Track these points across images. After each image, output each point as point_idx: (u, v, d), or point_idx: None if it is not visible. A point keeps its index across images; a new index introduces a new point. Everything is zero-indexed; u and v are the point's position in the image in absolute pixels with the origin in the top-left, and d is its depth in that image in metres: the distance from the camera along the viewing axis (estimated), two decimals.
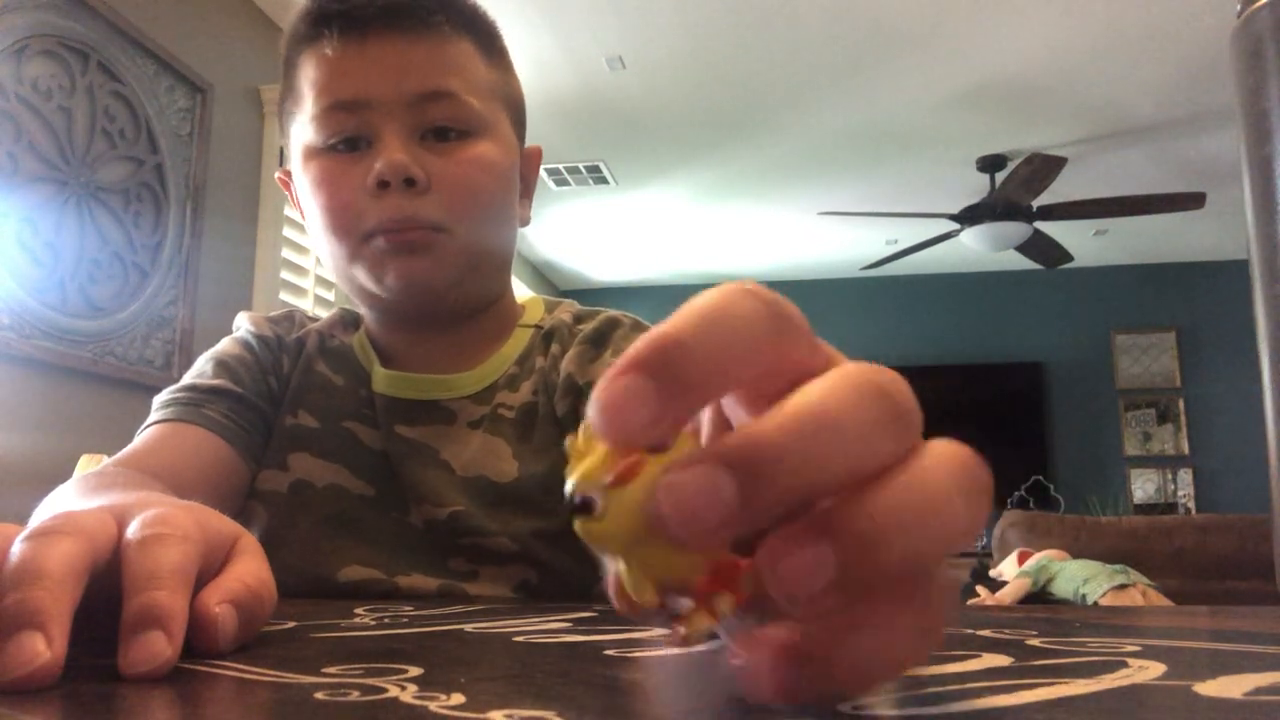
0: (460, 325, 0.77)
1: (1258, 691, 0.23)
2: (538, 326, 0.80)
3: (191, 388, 0.73)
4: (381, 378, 0.76)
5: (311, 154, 0.71)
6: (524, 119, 0.80)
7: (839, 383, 0.20)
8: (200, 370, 0.76)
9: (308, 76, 0.71)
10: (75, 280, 2.26)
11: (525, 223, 0.79)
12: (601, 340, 0.75)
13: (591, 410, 0.19)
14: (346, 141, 0.69)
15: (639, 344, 0.19)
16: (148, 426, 0.72)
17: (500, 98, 0.75)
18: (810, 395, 0.19)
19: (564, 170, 4.78)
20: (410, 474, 0.72)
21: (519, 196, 0.78)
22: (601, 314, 0.79)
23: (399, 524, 0.71)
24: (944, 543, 0.19)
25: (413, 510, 0.71)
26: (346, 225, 0.69)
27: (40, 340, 2.15)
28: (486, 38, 0.75)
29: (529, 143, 0.81)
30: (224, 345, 0.79)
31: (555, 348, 0.76)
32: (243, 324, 0.81)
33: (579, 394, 0.72)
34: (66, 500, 0.55)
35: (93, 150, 2.33)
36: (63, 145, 2.24)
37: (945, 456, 0.20)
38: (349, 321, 0.82)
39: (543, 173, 4.78)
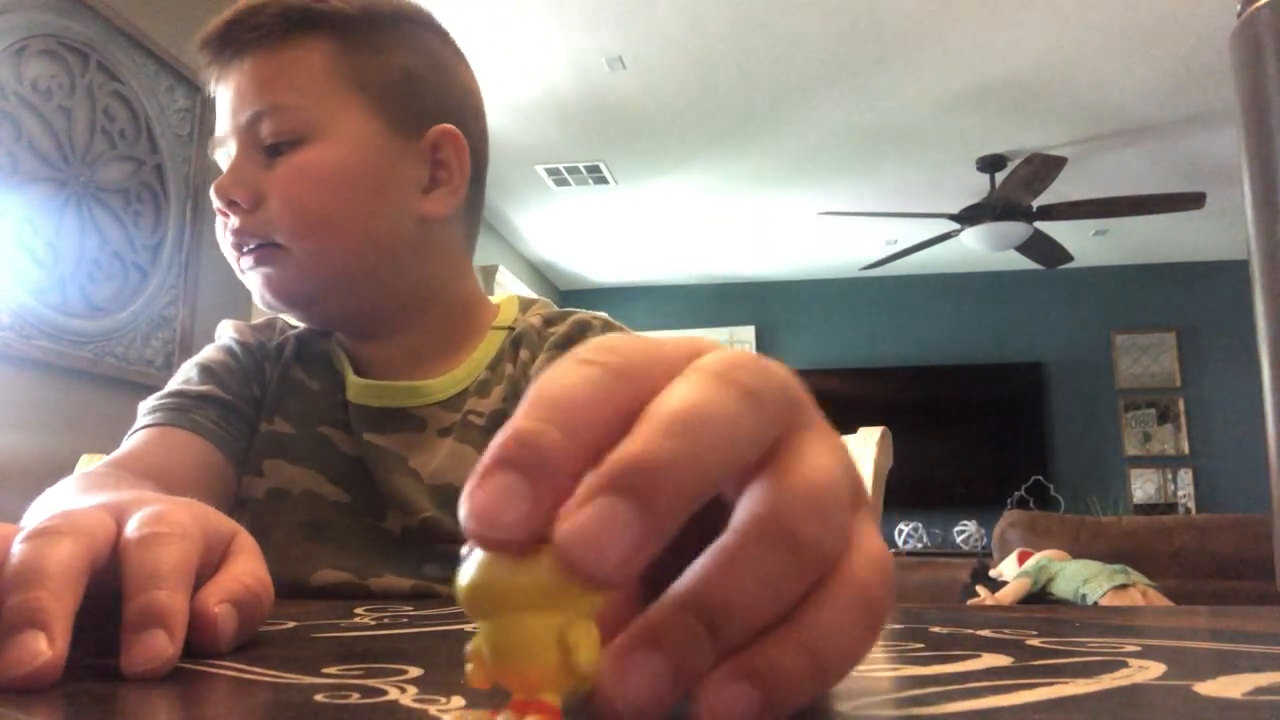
0: (402, 330, 0.75)
1: (1257, 691, 0.23)
2: (510, 329, 0.78)
3: (179, 393, 0.73)
4: (354, 386, 0.75)
5: None
6: (424, 100, 0.73)
7: (689, 378, 0.20)
8: (186, 376, 0.76)
9: None
10: (75, 280, 2.26)
11: (437, 215, 0.73)
12: (571, 345, 0.72)
13: (462, 515, 0.19)
14: None
15: (501, 440, 0.19)
16: (136, 431, 0.72)
17: (358, 86, 0.70)
18: (668, 398, 0.20)
19: (564, 170, 4.78)
20: (383, 481, 0.71)
21: (424, 188, 0.72)
22: (571, 317, 0.77)
23: (373, 530, 0.71)
24: (854, 662, 0.20)
25: (389, 516, 0.71)
26: (224, 247, 0.73)
27: (40, 340, 2.15)
28: (345, 26, 0.71)
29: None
30: (209, 352, 0.78)
31: (524, 353, 0.74)
32: (226, 331, 0.81)
33: None
34: (61, 500, 0.55)
35: (93, 150, 2.33)
36: (63, 145, 2.24)
37: (860, 585, 0.20)
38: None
39: (543, 172, 4.78)
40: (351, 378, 0.75)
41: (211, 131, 0.74)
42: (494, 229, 5.58)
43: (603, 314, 0.78)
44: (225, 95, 0.71)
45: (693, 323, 6.80)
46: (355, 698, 0.23)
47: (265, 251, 0.69)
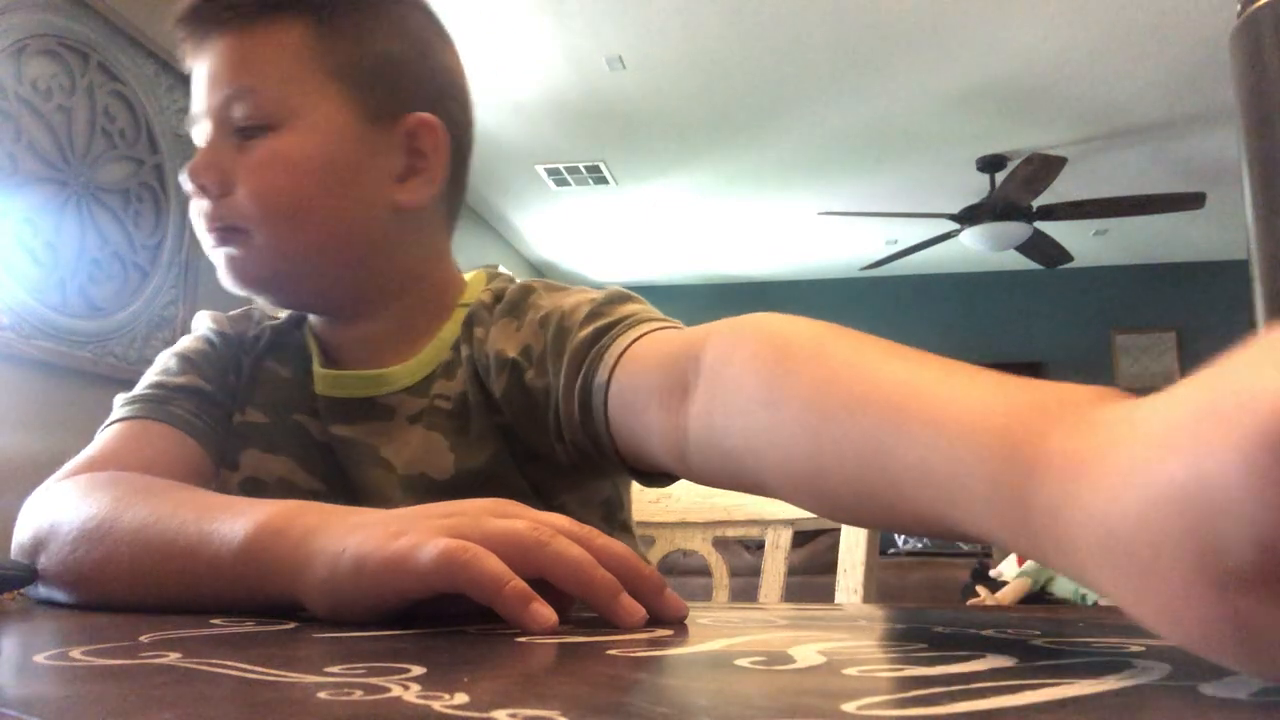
0: (378, 315, 0.74)
1: (1264, 693, 0.23)
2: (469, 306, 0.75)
3: (159, 385, 0.72)
4: (320, 378, 0.74)
5: None
6: (403, 87, 0.71)
7: None
8: (165, 366, 0.74)
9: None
10: (75, 280, 2.26)
11: (412, 205, 0.71)
12: (517, 309, 0.71)
13: None
14: None
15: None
16: (111, 423, 0.70)
17: (333, 72, 0.69)
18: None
19: (564, 170, 4.78)
20: (354, 473, 0.70)
21: (400, 176, 0.71)
22: (514, 285, 0.75)
23: None
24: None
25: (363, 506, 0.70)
26: (195, 226, 0.72)
27: (40, 340, 2.15)
28: (322, 7, 0.69)
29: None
30: (187, 342, 0.77)
31: (478, 330, 0.72)
32: (204, 321, 0.80)
33: (513, 368, 0.68)
34: (101, 505, 0.54)
35: (93, 150, 2.33)
36: (63, 145, 2.24)
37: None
38: (302, 316, 0.80)
39: (542, 172, 4.77)
40: (318, 370, 0.74)
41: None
42: (494, 229, 5.58)
43: (544, 279, 0.77)
44: (200, 73, 0.70)
45: (693, 323, 6.77)
46: (358, 695, 0.23)
47: (230, 234, 0.69)
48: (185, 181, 0.69)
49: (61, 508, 0.57)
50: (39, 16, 2.18)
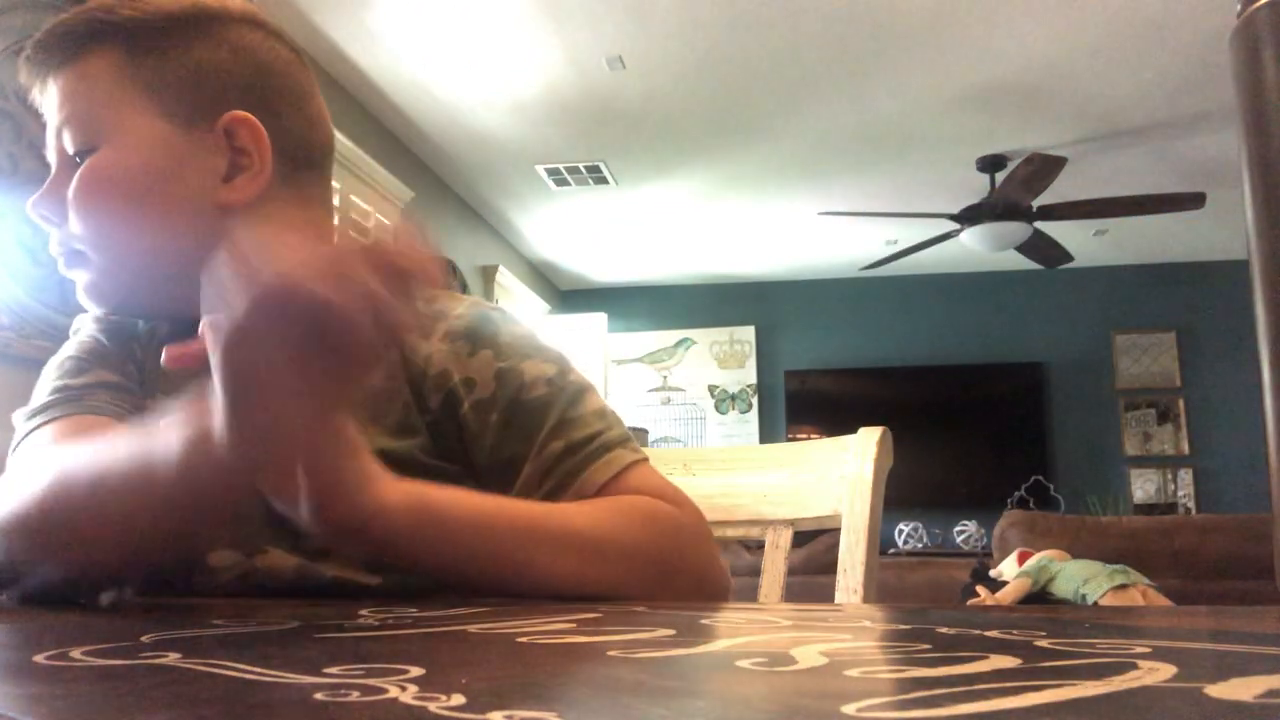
0: None
1: (1270, 694, 0.23)
2: None
3: (65, 388, 0.72)
4: None
5: None
6: (218, 90, 0.72)
7: None
8: (63, 371, 0.74)
9: None
10: None
11: (240, 202, 0.71)
12: (475, 337, 0.72)
13: None
14: None
15: None
16: (29, 433, 0.69)
17: (145, 88, 0.71)
18: None
19: (564, 170, 4.78)
20: None
21: (223, 176, 0.71)
22: (464, 301, 0.76)
23: (261, 501, 0.71)
24: None
25: None
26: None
27: (40, 340, 2.15)
28: (133, 33, 0.72)
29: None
30: (74, 347, 0.77)
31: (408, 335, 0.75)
32: (84, 323, 0.80)
33: (450, 393, 0.70)
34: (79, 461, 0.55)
35: None
36: None
37: None
38: None
39: (543, 172, 4.77)
40: None
41: None
42: (494, 229, 5.58)
43: (499, 308, 0.79)
44: (45, 116, 0.75)
45: (693, 323, 6.79)
46: (355, 696, 0.23)
47: (73, 257, 0.72)
48: (31, 215, 0.73)
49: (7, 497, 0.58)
50: (39, 16, 2.18)
